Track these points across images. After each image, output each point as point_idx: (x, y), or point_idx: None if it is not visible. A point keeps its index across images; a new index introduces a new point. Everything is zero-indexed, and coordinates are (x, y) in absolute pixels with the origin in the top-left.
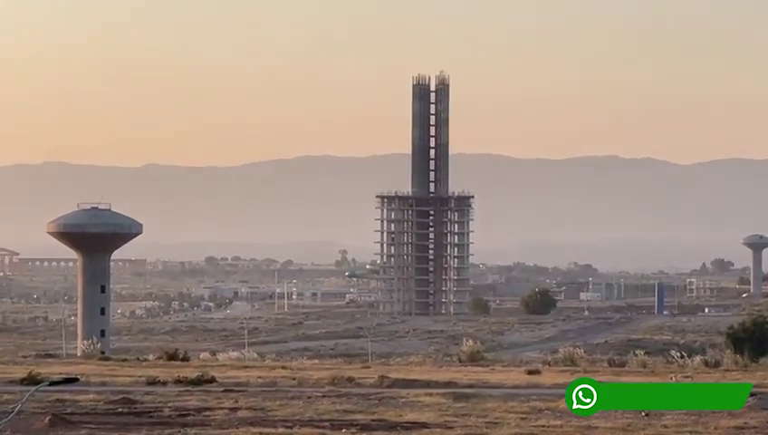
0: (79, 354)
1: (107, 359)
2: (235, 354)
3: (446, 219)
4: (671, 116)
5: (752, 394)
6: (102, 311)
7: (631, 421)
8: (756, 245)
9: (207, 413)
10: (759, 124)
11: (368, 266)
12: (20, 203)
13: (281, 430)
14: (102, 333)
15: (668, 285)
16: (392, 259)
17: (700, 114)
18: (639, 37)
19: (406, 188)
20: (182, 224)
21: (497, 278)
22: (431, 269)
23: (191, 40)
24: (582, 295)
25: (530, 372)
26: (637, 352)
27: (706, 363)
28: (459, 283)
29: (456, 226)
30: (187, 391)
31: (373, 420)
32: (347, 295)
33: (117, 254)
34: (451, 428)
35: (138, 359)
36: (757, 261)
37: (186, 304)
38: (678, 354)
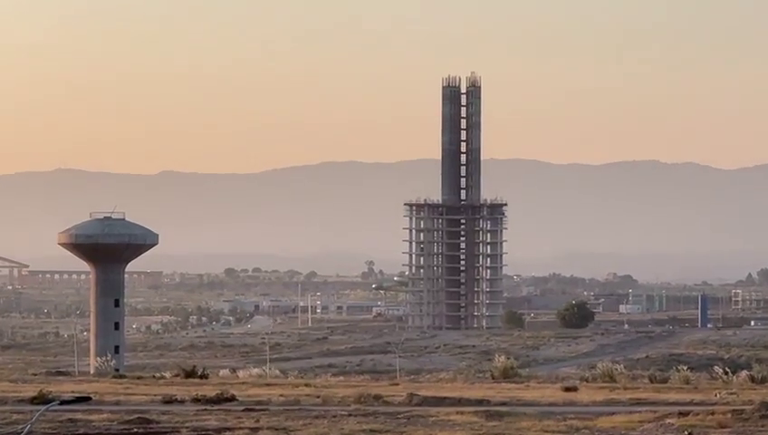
0: (92, 372)
1: (121, 377)
2: (256, 371)
3: (477, 228)
4: (714, 118)
5: None
6: (116, 326)
7: None
8: None
9: (227, 433)
10: None
11: (396, 278)
12: (30, 213)
13: None
14: (116, 350)
15: (712, 297)
16: (421, 271)
17: (744, 116)
18: (681, 38)
19: (436, 195)
20: (200, 234)
21: (532, 290)
22: (462, 281)
23: (208, 41)
24: (622, 308)
25: (566, 389)
26: (679, 367)
27: (752, 379)
28: (492, 295)
29: (489, 235)
30: (205, 410)
31: None
32: (374, 309)
33: (132, 266)
34: None
35: (153, 376)
36: None
37: (204, 318)
38: (723, 370)
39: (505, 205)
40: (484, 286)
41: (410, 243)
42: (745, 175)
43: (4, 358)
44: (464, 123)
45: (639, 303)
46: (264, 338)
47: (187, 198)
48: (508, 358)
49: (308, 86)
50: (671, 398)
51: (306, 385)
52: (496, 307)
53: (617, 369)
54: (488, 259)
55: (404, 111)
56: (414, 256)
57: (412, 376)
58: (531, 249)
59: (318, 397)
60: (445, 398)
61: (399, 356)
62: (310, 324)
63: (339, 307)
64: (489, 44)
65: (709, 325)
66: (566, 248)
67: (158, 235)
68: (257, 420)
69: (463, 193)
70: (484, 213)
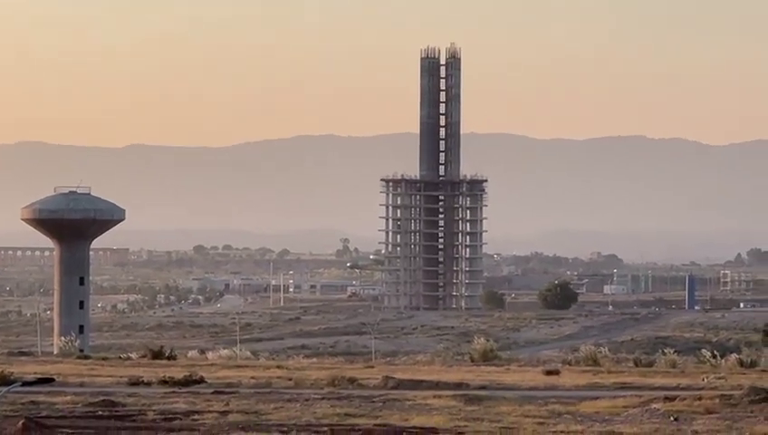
0: (55, 352)
1: (86, 357)
2: (225, 353)
3: (457, 205)
4: (703, 92)
5: None
6: (81, 305)
7: (659, 426)
8: None
9: (196, 417)
10: None
11: (372, 257)
12: None
13: None
14: (81, 329)
15: (700, 278)
16: (398, 249)
17: (735, 90)
18: (669, 10)
19: (413, 171)
20: (169, 210)
21: (513, 270)
22: (441, 260)
23: (177, 10)
24: (606, 289)
25: (548, 373)
26: (665, 350)
27: (742, 363)
28: (471, 275)
29: (469, 212)
30: (173, 392)
31: (377, 425)
32: (349, 288)
33: (97, 242)
34: (462, 433)
35: (119, 357)
36: None
37: (172, 297)
38: (711, 353)
39: (485, 181)
40: (464, 265)
41: (387, 220)
42: (735, 151)
43: None
44: (443, 96)
45: (624, 283)
46: (234, 318)
47: (155, 172)
48: (488, 340)
49: (282, 58)
50: (657, 382)
51: (278, 367)
52: (476, 287)
53: (600, 352)
54: (467, 237)
55: (381, 84)
56: (390, 233)
57: (388, 358)
58: (512, 227)
59: (290, 379)
60: (422, 381)
61: (375, 337)
62: (282, 304)
63: (312, 286)
64: (469, 15)
65: (697, 307)
66: (549, 227)
67: (124, 210)
68: (227, 404)
69: (442, 169)
70: (464, 189)
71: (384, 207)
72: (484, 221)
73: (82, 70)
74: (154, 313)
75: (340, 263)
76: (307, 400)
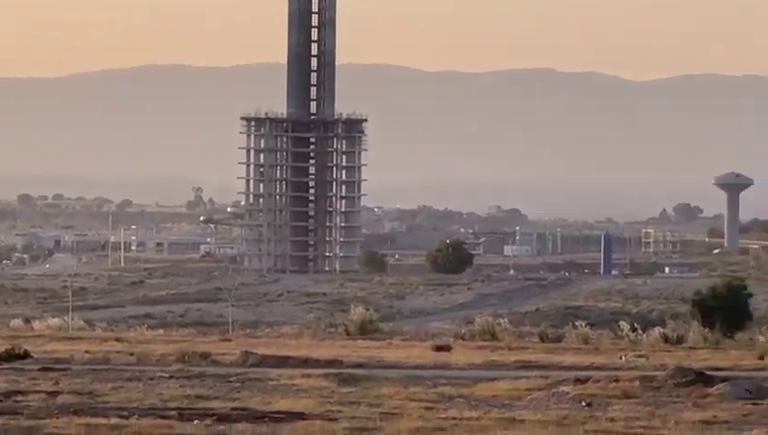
0: None
1: None
2: (55, 322)
3: (331, 149)
4: (621, 20)
5: (723, 380)
6: None
7: (568, 412)
8: (732, 186)
9: (19, 398)
10: (733, 36)
11: (229, 209)
12: None
13: (113, 420)
14: None
15: (618, 238)
16: (261, 200)
17: (659, 18)
18: None
19: (280, 108)
20: None
21: (397, 226)
22: (311, 214)
23: None
24: (507, 249)
25: (438, 349)
26: (577, 323)
27: (666, 339)
28: (347, 232)
29: (345, 158)
30: None
31: (234, 409)
32: (202, 247)
33: None
34: (335, 419)
35: None
36: (733, 207)
37: None
38: (630, 327)
39: (365, 120)
40: (338, 221)
41: (248, 166)
42: (661, 87)
43: None
44: (315, 20)
45: (529, 243)
46: (65, 281)
47: None
48: (367, 309)
49: None
50: (566, 361)
51: (117, 340)
52: (353, 247)
53: (500, 324)
54: (343, 187)
55: (242, 6)
56: (252, 182)
57: (248, 330)
58: (396, 176)
59: (131, 355)
60: (288, 358)
61: (232, 305)
62: (122, 265)
63: (158, 244)
64: None
65: (614, 272)
66: (439, 175)
67: None
68: (56, 383)
69: (313, 106)
70: (339, 130)
71: (244, 151)
72: (362, 168)
73: None
74: None
75: (191, 216)
76: (151, 379)
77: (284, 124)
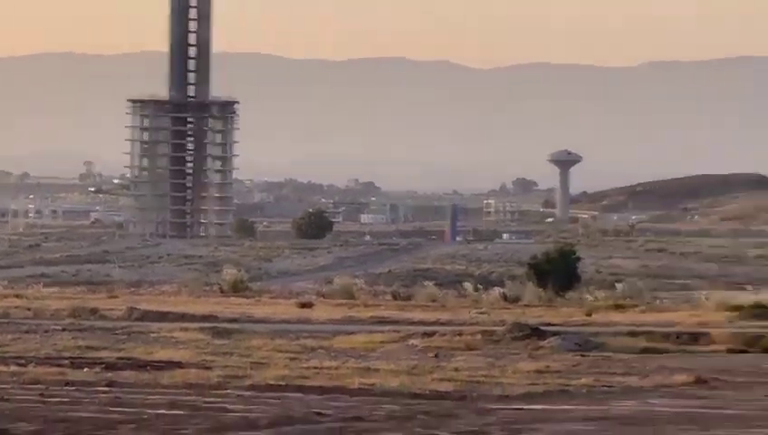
0: None
1: None
2: None
3: (206, 128)
4: (470, 13)
5: (555, 334)
6: None
7: (417, 362)
8: (563, 162)
9: None
10: (565, 26)
11: (116, 181)
12: None
13: (12, 368)
14: None
15: (463, 208)
16: (145, 173)
17: (497, 11)
18: None
19: (162, 91)
20: None
21: (265, 197)
22: (189, 185)
23: None
24: (363, 218)
25: (301, 306)
26: (425, 283)
27: (505, 298)
28: (221, 201)
29: (219, 135)
30: None
31: (120, 358)
32: (92, 214)
33: None
34: (209, 368)
35: None
36: (564, 181)
37: None
38: (473, 287)
39: (237, 103)
40: (213, 192)
41: (133, 143)
42: (502, 75)
43: None
44: (193, 13)
45: (383, 213)
46: None
47: None
48: (238, 270)
49: None
50: (416, 317)
51: (16, 296)
52: (226, 214)
53: (356, 284)
54: (217, 162)
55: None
56: (137, 156)
57: (132, 289)
58: (265, 152)
59: (29, 310)
60: (168, 313)
61: (119, 266)
62: (21, 230)
63: (54, 212)
64: None
65: (459, 238)
66: (304, 152)
67: None
68: None
69: (191, 89)
70: (214, 112)
71: (130, 130)
72: (235, 145)
73: None
74: None
75: (83, 187)
76: (47, 331)
77: (166, 106)
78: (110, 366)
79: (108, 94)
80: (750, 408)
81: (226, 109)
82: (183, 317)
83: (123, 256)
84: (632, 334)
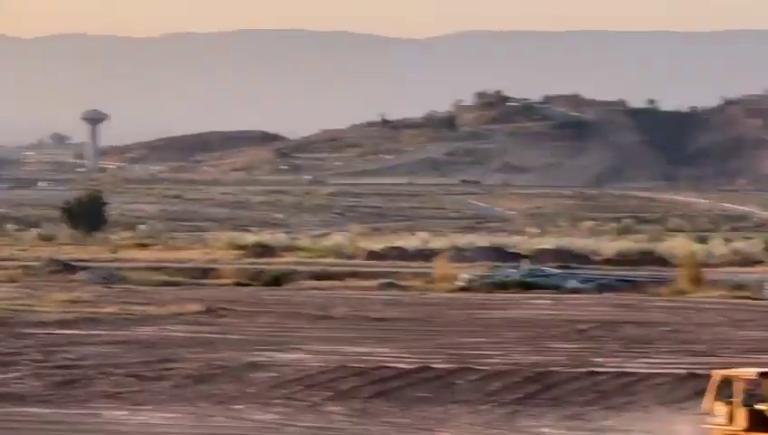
0: None
1: None
2: None
3: None
4: None
5: (85, 268)
6: None
7: None
8: (93, 120)
9: None
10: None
11: None
12: None
13: None
14: None
15: (5, 159)
16: None
17: None
18: None
19: None
20: None
21: None
22: None
23: None
24: None
25: None
26: None
27: (42, 238)
28: None
29: None
30: None
31: None
32: None
33: None
34: None
35: None
36: (94, 135)
37: None
38: (15, 228)
39: None
40: None
41: None
42: (43, 45)
43: None
44: None
45: None
46: None
47: None
48: None
49: None
50: None
51: None
52: None
53: None
54: None
55: None
56: None
57: None
58: None
59: None
60: None
61: None
62: None
63: None
64: None
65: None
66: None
67: None
68: None
69: None
70: None
71: None
72: None
73: None
74: None
75: None
76: None
77: None
78: None
79: None
80: (252, 333)
81: None
82: None
83: None
84: (152, 269)
